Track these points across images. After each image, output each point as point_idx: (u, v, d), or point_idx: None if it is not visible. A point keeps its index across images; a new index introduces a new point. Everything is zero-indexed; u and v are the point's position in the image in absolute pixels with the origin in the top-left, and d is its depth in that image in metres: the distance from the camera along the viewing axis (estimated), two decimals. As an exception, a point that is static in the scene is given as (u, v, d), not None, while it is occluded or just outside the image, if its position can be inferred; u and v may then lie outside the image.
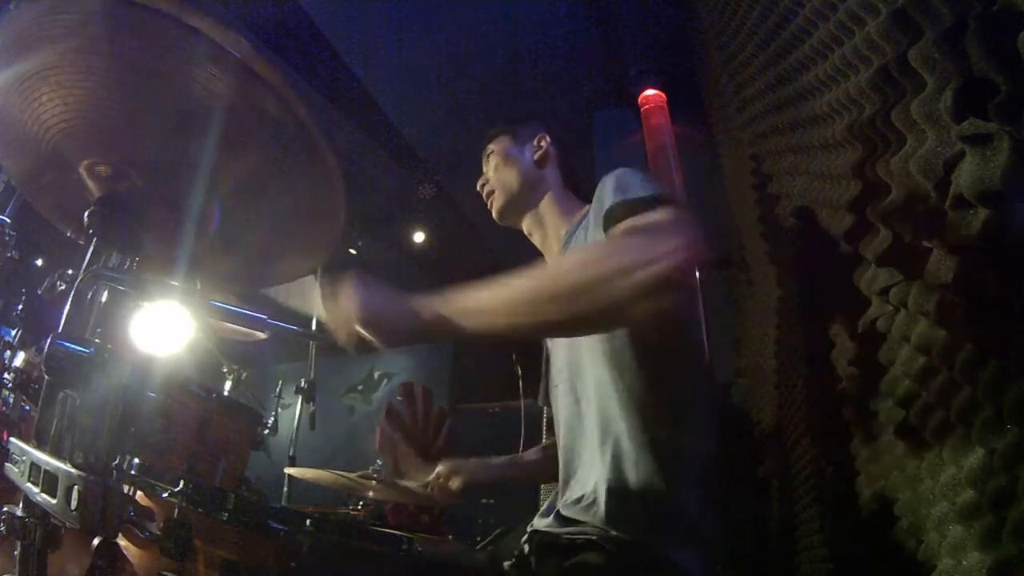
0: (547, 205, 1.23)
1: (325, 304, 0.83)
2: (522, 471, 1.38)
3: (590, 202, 1.13)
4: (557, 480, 1.09)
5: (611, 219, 0.88)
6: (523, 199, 1.25)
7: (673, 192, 0.93)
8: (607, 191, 0.95)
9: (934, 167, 0.58)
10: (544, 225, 1.23)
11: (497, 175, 1.27)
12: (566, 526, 0.93)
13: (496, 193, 1.26)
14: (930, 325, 0.67)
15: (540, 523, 1.01)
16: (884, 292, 0.76)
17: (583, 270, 0.75)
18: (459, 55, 3.32)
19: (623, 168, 1.00)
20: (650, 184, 0.91)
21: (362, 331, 0.78)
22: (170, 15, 0.62)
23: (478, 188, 1.31)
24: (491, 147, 1.30)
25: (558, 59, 3.30)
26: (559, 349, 1.13)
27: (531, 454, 1.39)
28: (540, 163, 1.26)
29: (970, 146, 0.53)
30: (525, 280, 0.75)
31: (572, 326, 0.83)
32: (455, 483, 1.32)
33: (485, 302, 0.76)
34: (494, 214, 1.28)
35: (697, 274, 0.80)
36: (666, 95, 2.90)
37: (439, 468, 1.35)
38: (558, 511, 0.96)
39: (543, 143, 1.28)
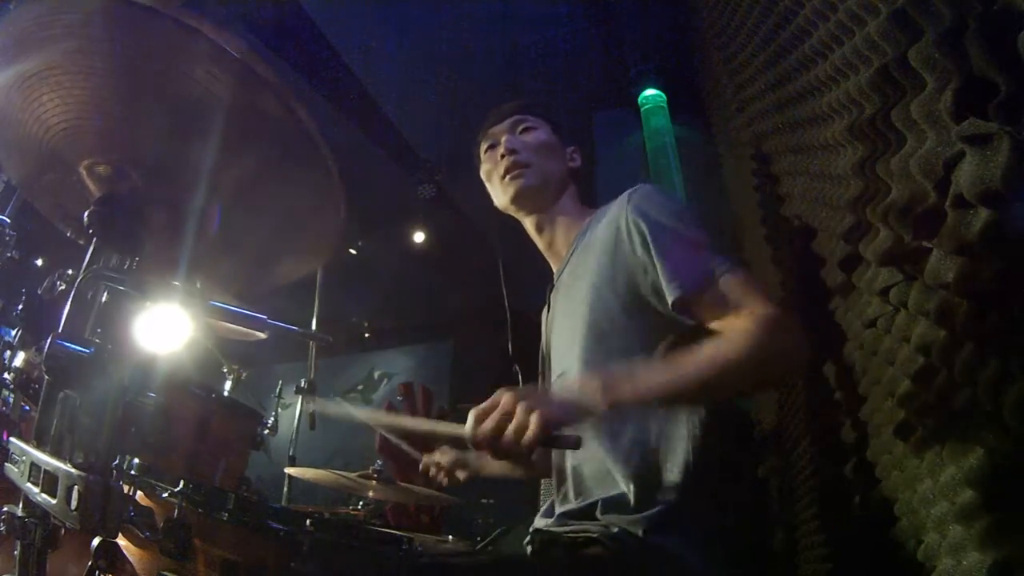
0: (561, 211, 1.20)
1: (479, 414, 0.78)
2: (525, 465, 1.37)
3: (594, 207, 1.13)
4: (548, 474, 1.12)
5: (700, 282, 0.91)
6: (549, 195, 1.19)
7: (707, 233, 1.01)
8: (658, 225, 0.97)
9: (934, 167, 0.58)
10: (555, 227, 1.21)
11: (539, 155, 1.18)
12: (568, 525, 0.93)
13: (531, 170, 1.16)
14: (930, 325, 0.67)
15: (542, 522, 1.01)
16: (884, 292, 0.76)
17: (747, 354, 0.83)
18: (459, 55, 3.32)
19: (658, 194, 1.03)
20: (703, 232, 0.98)
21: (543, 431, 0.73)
22: (170, 15, 0.62)
23: (503, 150, 1.18)
24: (532, 120, 1.22)
25: (558, 59, 3.31)
26: (556, 350, 1.13)
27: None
28: (572, 174, 1.24)
29: (970, 146, 0.53)
30: (696, 363, 0.83)
31: (735, 395, 1.04)
32: (461, 474, 1.32)
33: (666, 386, 0.83)
34: (517, 188, 1.16)
35: None
36: (666, 95, 2.90)
37: (444, 458, 1.33)
38: (560, 511, 0.97)
39: (576, 156, 1.26)
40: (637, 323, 0.97)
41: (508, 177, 1.16)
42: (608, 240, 1.03)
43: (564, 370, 1.07)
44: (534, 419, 0.72)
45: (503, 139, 1.19)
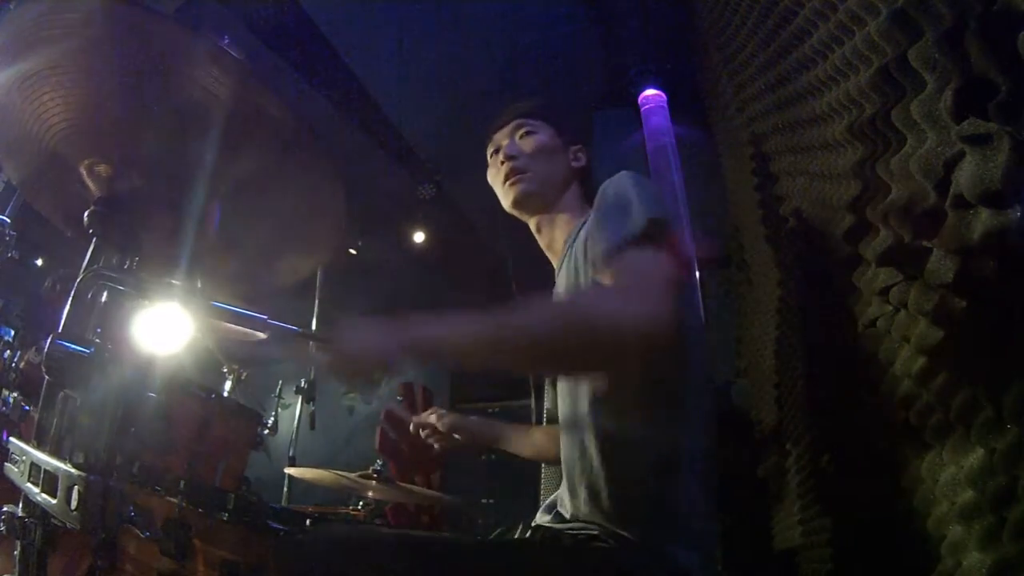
0: (563, 211, 1.21)
1: (328, 360, 0.84)
2: (523, 446, 1.35)
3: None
4: (554, 461, 1.11)
5: (601, 260, 0.88)
6: (549, 198, 1.19)
7: (665, 211, 0.91)
8: (603, 209, 0.95)
9: (934, 167, 0.58)
10: (554, 227, 1.21)
11: (537, 160, 1.18)
12: (569, 522, 0.93)
13: (529, 175, 1.17)
14: (930, 325, 0.67)
15: (543, 519, 1.01)
16: (884, 292, 0.76)
17: (553, 326, 0.79)
18: (459, 55, 3.32)
19: (623, 178, 0.98)
20: (645, 205, 0.90)
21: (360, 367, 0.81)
22: (170, 16, 0.62)
23: (502, 156, 1.19)
24: (532, 124, 1.21)
25: (558, 59, 3.30)
26: None
27: (537, 431, 1.38)
28: (576, 174, 1.23)
29: (970, 146, 0.53)
30: (499, 323, 0.80)
31: (541, 370, 0.95)
32: (456, 438, 1.32)
33: (460, 340, 0.81)
34: (515, 194, 1.17)
35: (667, 334, 0.79)
36: (666, 95, 2.90)
37: (440, 420, 1.32)
38: (562, 508, 0.97)
39: (581, 156, 1.24)
40: None
41: (507, 183, 1.18)
42: (586, 236, 1.03)
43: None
44: (339, 356, 0.81)
45: (504, 144, 1.21)
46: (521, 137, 1.21)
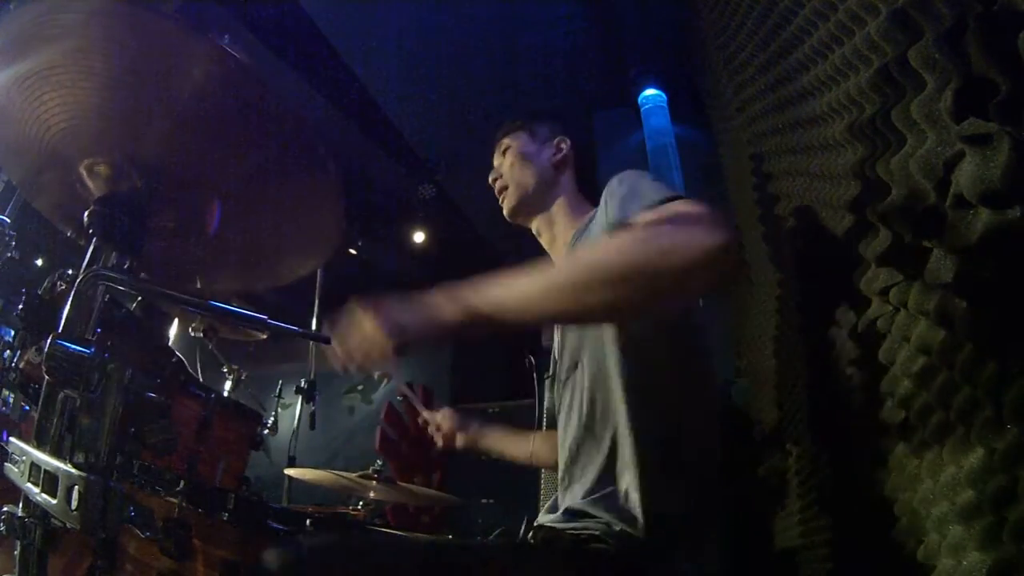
0: (559, 207, 1.23)
1: (339, 337, 0.79)
2: (521, 452, 1.37)
3: (597, 204, 1.14)
4: (552, 468, 1.14)
5: (630, 217, 0.86)
6: (537, 200, 1.23)
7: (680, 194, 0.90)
8: (618, 193, 0.95)
9: (934, 167, 0.58)
10: (554, 227, 1.23)
11: (512, 172, 1.25)
12: (570, 522, 0.93)
13: (510, 190, 1.24)
14: (930, 325, 0.67)
15: (545, 518, 1.01)
16: (884, 292, 0.76)
17: (623, 255, 0.73)
18: (459, 55, 3.32)
19: (630, 171, 0.99)
20: (662, 185, 0.91)
21: (393, 346, 0.74)
22: (170, 16, 0.62)
23: (490, 181, 1.28)
24: (507, 141, 1.28)
25: (558, 59, 3.30)
26: (565, 345, 1.14)
27: (536, 438, 1.39)
28: (558, 167, 1.25)
29: (970, 146, 0.53)
30: (565, 268, 0.76)
31: (619, 310, 0.80)
32: (460, 440, 1.35)
33: (526, 293, 0.74)
34: (505, 211, 1.26)
35: (732, 256, 0.74)
36: (666, 95, 2.90)
37: (446, 419, 1.35)
38: (563, 507, 0.97)
39: (563, 146, 1.26)
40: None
41: (499, 203, 1.27)
42: (597, 232, 1.04)
43: (572, 363, 1.07)
44: (386, 342, 0.73)
45: (495, 166, 1.30)
46: (502, 155, 1.29)
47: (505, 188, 1.25)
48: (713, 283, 0.75)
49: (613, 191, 0.97)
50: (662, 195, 0.86)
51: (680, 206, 0.82)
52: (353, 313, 0.78)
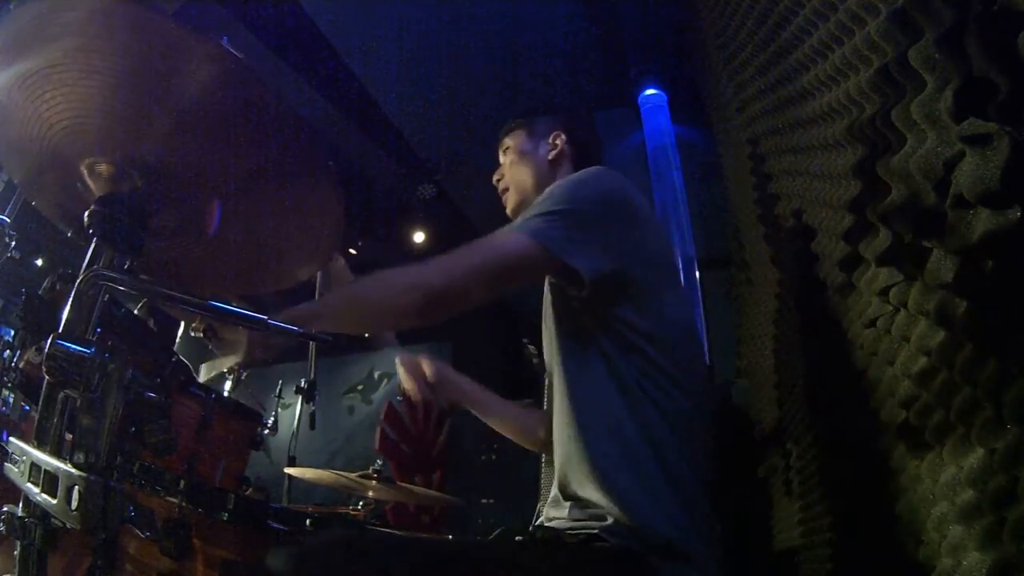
0: None
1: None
2: (502, 420, 1.33)
3: None
4: (528, 444, 1.23)
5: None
6: (535, 198, 1.21)
7: (582, 205, 0.97)
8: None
9: (934, 167, 0.58)
10: None
11: (512, 172, 1.25)
12: (570, 521, 0.93)
13: (510, 191, 1.25)
14: (930, 325, 0.67)
15: (544, 517, 1.01)
16: (884, 292, 0.76)
17: (369, 285, 0.96)
18: (459, 55, 3.32)
19: (565, 182, 1.05)
20: (551, 202, 0.97)
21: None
22: (170, 16, 0.62)
23: (494, 182, 1.29)
24: (507, 141, 1.28)
25: (558, 59, 3.30)
26: (548, 343, 1.13)
27: (521, 410, 1.35)
28: (554, 162, 1.24)
29: (970, 146, 0.53)
30: (348, 288, 0.96)
31: (353, 328, 1.03)
32: (440, 395, 1.29)
33: (319, 308, 0.92)
34: (508, 211, 1.27)
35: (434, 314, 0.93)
36: (666, 95, 2.91)
37: (431, 370, 1.28)
38: (564, 506, 0.97)
39: (558, 141, 1.25)
40: (565, 311, 1.02)
41: (503, 204, 1.29)
42: None
43: (561, 362, 1.07)
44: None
45: (501, 163, 1.31)
46: (504, 154, 1.30)
47: (507, 190, 1.26)
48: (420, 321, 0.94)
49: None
50: (532, 212, 0.96)
51: (491, 242, 0.95)
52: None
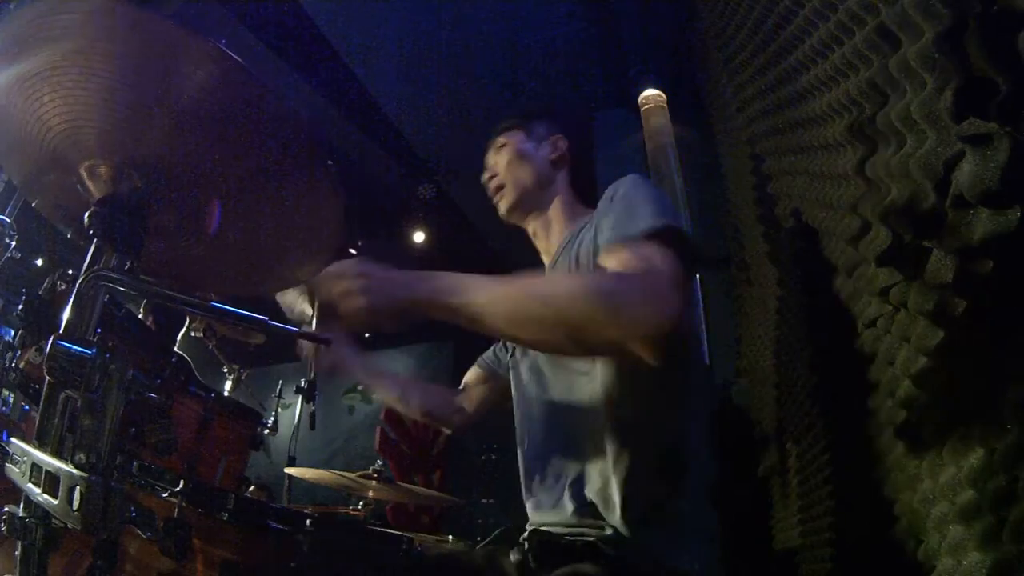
0: (555, 208, 1.22)
1: (322, 291, 0.83)
2: (405, 399, 1.31)
3: (594, 207, 1.14)
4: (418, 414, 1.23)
5: (613, 245, 0.87)
6: (534, 199, 1.22)
7: (677, 217, 0.90)
8: (614, 210, 0.94)
9: (934, 167, 0.58)
10: (549, 228, 1.22)
11: (510, 171, 1.23)
12: (565, 526, 0.93)
13: (507, 189, 1.22)
14: (930, 325, 0.67)
15: (539, 519, 1.00)
16: (884, 292, 0.76)
17: (573, 301, 0.77)
18: (459, 55, 3.32)
19: (631, 179, 0.99)
20: (656, 207, 0.90)
21: (360, 305, 0.79)
22: (170, 15, 0.62)
23: (484, 180, 1.27)
24: (503, 139, 1.26)
25: (558, 59, 3.31)
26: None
27: (439, 393, 1.37)
28: (555, 164, 1.24)
29: (970, 146, 0.53)
30: (522, 293, 0.79)
31: (552, 349, 0.93)
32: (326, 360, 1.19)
33: (484, 303, 0.78)
34: (501, 210, 1.24)
35: (669, 326, 0.77)
36: (666, 95, 2.90)
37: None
38: (559, 509, 0.96)
39: (560, 144, 1.26)
40: None
41: (494, 201, 1.26)
42: (590, 237, 1.03)
43: (544, 367, 1.07)
44: (362, 303, 0.78)
45: (489, 164, 1.28)
46: (497, 152, 1.27)
47: (501, 187, 1.23)
48: (652, 348, 0.76)
49: (611, 203, 0.97)
50: (649, 224, 0.85)
51: (655, 255, 0.82)
52: (339, 268, 0.82)
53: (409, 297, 0.80)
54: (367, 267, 0.81)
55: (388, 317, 0.79)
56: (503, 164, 1.24)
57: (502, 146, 1.26)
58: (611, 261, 0.85)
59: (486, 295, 0.78)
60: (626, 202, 0.94)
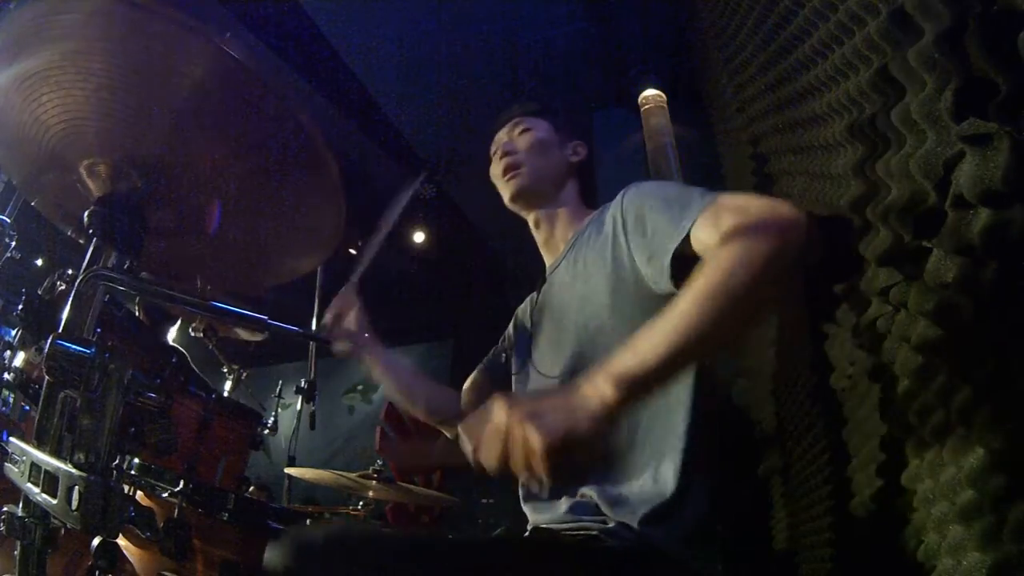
0: (564, 206, 1.23)
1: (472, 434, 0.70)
2: (412, 396, 1.29)
3: (595, 207, 1.14)
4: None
5: (698, 224, 0.86)
6: (548, 191, 1.22)
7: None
8: (650, 205, 0.96)
9: (934, 167, 0.58)
10: (554, 224, 1.23)
11: (530, 155, 1.21)
12: (567, 523, 0.93)
13: (524, 170, 1.19)
14: (930, 325, 0.67)
15: (539, 518, 1.01)
16: (884, 292, 0.76)
17: (747, 268, 0.75)
18: (459, 55, 3.32)
19: (645, 183, 1.02)
20: (694, 189, 0.93)
21: (556, 452, 0.64)
22: (169, 15, 0.62)
23: (499, 155, 1.22)
24: (529, 121, 1.25)
25: (558, 59, 3.31)
26: (542, 348, 1.13)
27: (446, 395, 1.35)
28: (571, 168, 1.25)
29: (970, 146, 0.53)
30: (691, 306, 0.73)
31: (752, 322, 0.91)
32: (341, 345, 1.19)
33: (666, 341, 0.71)
34: (512, 189, 1.20)
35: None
36: (666, 95, 2.90)
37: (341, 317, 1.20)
38: (559, 507, 0.96)
39: (580, 150, 1.27)
40: (626, 323, 0.95)
41: (505, 178, 1.21)
42: (602, 238, 1.04)
43: (548, 371, 1.07)
44: (537, 446, 0.63)
45: (503, 142, 1.25)
46: (519, 134, 1.25)
47: (518, 167, 1.19)
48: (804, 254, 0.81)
49: (637, 201, 0.98)
50: (708, 197, 0.88)
51: (731, 201, 0.86)
52: (495, 414, 0.68)
53: (601, 410, 0.68)
54: (527, 409, 0.67)
55: (581, 444, 0.66)
56: (524, 146, 1.22)
57: (525, 128, 1.24)
58: (708, 232, 0.83)
59: (676, 334, 0.71)
60: (664, 194, 0.96)
